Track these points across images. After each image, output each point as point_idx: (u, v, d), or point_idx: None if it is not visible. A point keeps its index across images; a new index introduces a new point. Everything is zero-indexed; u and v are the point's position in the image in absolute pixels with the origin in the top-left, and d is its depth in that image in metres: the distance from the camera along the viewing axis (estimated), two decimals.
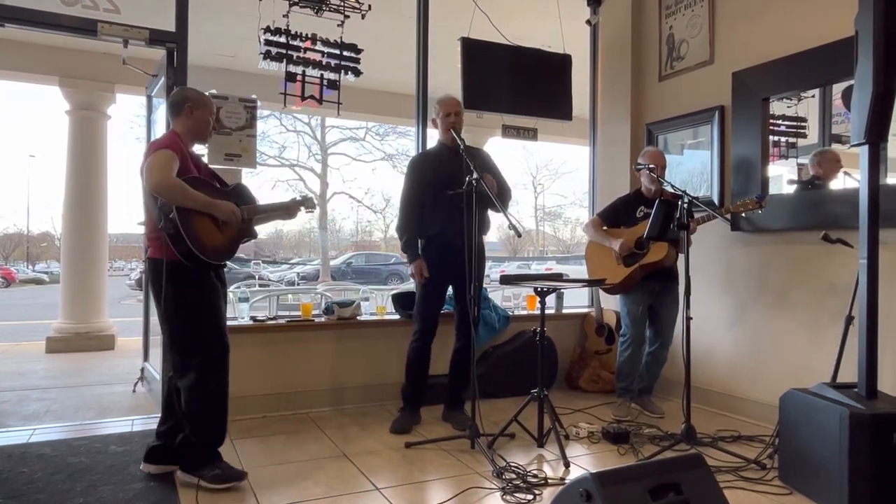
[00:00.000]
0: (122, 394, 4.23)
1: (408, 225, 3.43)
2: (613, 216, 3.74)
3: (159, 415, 3.51)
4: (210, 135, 2.78)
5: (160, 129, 3.88)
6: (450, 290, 3.50)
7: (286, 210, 2.85)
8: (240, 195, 2.69)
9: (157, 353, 3.67)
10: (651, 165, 3.49)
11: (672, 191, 3.44)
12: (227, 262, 2.71)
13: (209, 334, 2.53)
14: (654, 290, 3.58)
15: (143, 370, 4.32)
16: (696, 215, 3.22)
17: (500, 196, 3.14)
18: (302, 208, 2.88)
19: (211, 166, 2.90)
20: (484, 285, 4.70)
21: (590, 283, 3.61)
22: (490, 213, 3.48)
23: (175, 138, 2.57)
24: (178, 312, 2.49)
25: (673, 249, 3.44)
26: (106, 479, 2.56)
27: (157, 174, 2.39)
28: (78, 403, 3.99)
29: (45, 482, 2.52)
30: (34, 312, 12.80)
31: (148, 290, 4.28)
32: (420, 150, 4.11)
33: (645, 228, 3.32)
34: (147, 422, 3.42)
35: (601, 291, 4.35)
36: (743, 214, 3.39)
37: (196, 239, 2.42)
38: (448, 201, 3.28)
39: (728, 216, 3.23)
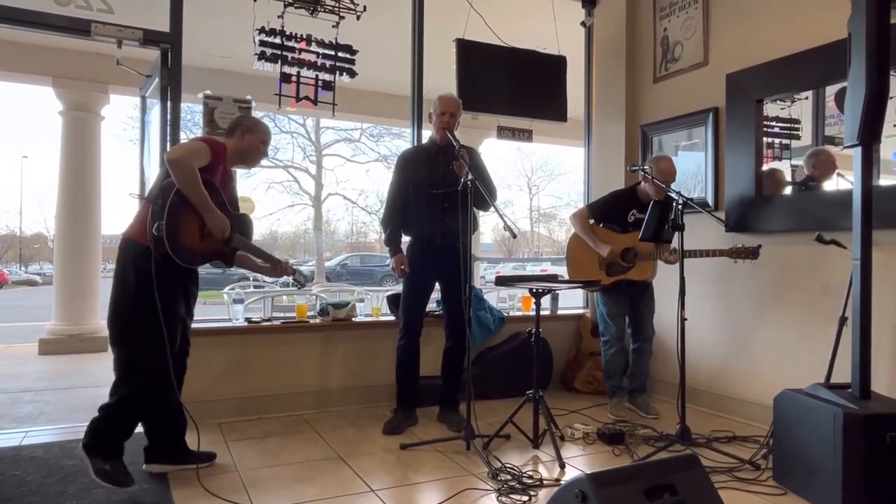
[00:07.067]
0: None
1: (392, 218, 3.42)
2: (604, 211, 3.72)
3: None
4: (259, 161, 2.85)
5: (155, 130, 3.86)
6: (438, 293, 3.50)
7: (273, 266, 2.84)
8: (240, 224, 2.67)
9: None
10: (662, 179, 3.37)
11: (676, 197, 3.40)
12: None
13: (158, 341, 2.43)
14: (631, 290, 3.65)
15: None
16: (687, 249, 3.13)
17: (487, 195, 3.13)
18: (291, 277, 2.89)
19: None
20: (480, 286, 4.69)
21: (585, 284, 3.62)
22: (480, 213, 3.48)
23: (221, 147, 2.61)
24: (142, 304, 2.40)
25: (655, 265, 3.50)
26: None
27: (181, 150, 2.44)
28: (71, 405, 3.97)
29: (38, 485, 2.50)
30: (27, 314, 12.71)
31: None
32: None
33: (634, 240, 3.38)
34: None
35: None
36: (734, 261, 3.21)
37: (175, 229, 2.37)
38: (433, 200, 3.28)
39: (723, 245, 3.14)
